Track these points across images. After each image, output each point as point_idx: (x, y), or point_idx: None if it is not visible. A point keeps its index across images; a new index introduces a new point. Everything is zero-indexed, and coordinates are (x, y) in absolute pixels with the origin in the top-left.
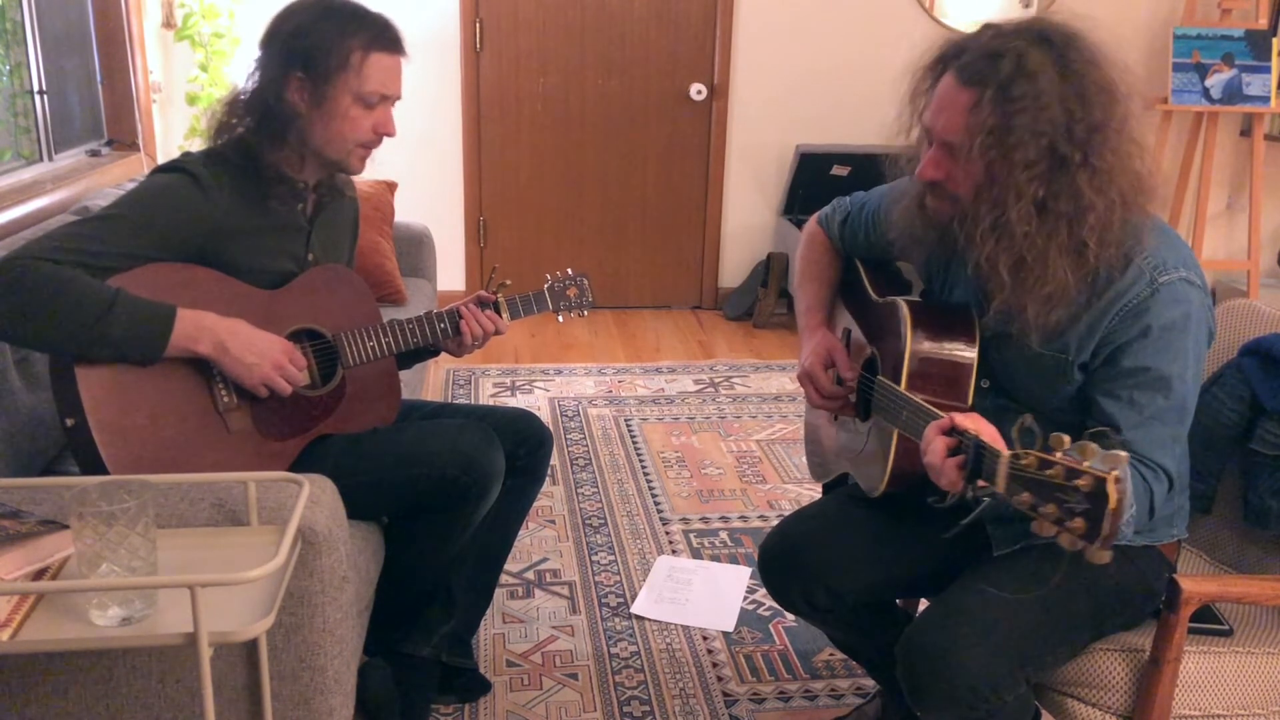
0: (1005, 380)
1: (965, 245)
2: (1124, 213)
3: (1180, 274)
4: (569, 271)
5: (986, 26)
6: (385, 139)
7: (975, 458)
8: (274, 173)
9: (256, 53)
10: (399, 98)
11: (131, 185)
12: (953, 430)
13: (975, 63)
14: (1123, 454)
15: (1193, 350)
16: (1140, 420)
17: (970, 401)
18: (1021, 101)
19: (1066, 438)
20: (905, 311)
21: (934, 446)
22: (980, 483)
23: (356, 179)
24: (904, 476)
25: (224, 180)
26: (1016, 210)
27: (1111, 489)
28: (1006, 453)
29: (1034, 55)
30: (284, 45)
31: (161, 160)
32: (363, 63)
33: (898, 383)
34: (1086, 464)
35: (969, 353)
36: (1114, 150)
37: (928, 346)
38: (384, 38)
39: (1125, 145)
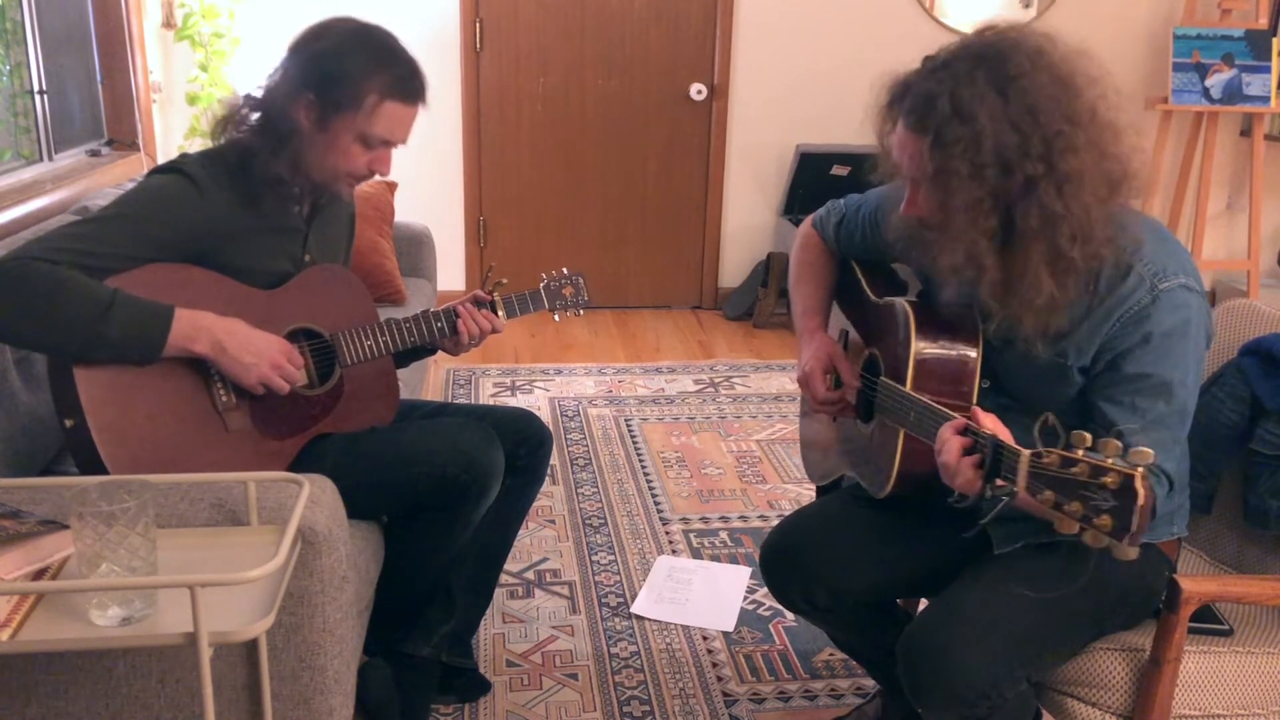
0: (1006, 381)
1: (939, 284)
2: (1104, 209)
3: (1180, 280)
4: (564, 270)
5: (926, 60)
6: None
7: (994, 457)
8: (267, 178)
9: (283, 53)
10: (404, 144)
11: (131, 185)
12: (967, 430)
13: (916, 108)
14: (1148, 450)
15: (1193, 355)
16: (1143, 425)
17: (975, 401)
18: (958, 145)
19: (1089, 435)
20: (908, 312)
21: (949, 446)
22: (998, 481)
23: None
24: (910, 477)
25: (221, 182)
26: (969, 245)
27: (1140, 485)
28: (1027, 452)
29: (969, 89)
30: (307, 62)
31: (161, 160)
32: (375, 108)
33: (901, 384)
34: (1111, 461)
35: (972, 352)
36: (1080, 147)
37: (931, 347)
38: (405, 87)
39: (1096, 135)
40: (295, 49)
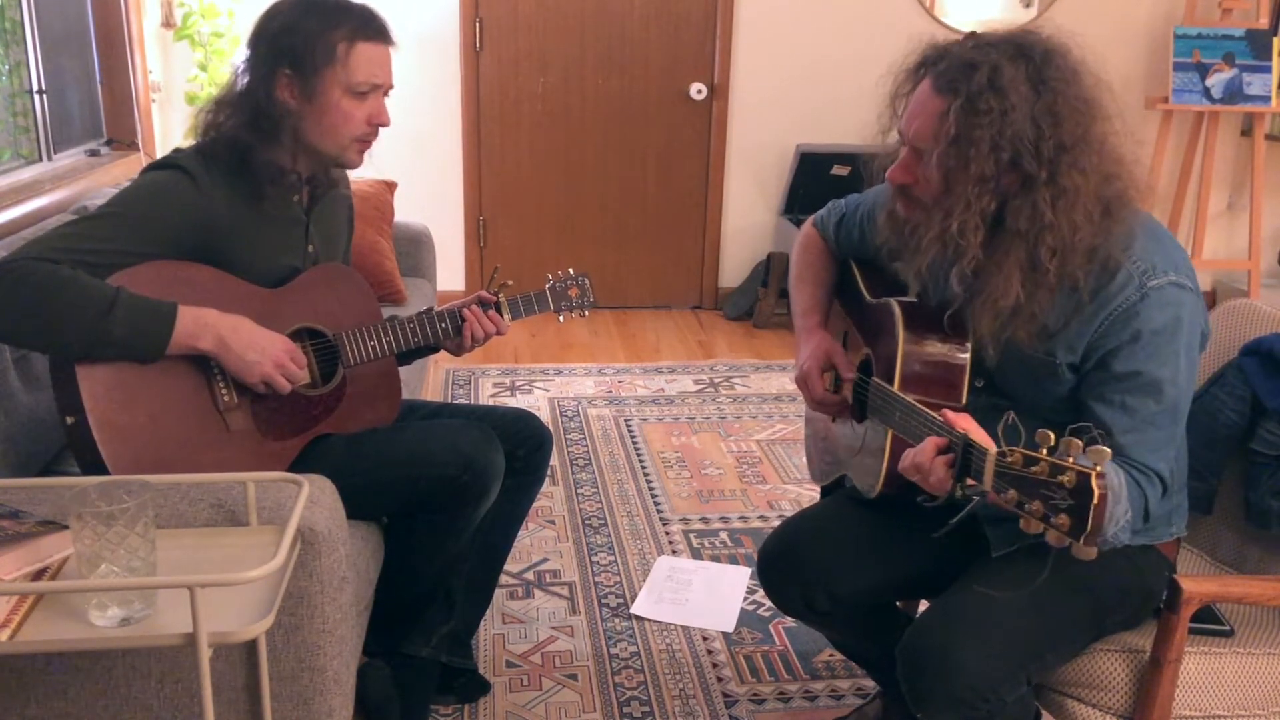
0: (1000, 380)
1: (913, 253)
2: (1092, 229)
3: (1169, 278)
4: (570, 271)
5: (970, 35)
6: (383, 133)
7: (964, 456)
8: (267, 170)
9: (244, 52)
10: (391, 87)
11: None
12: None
13: (951, 71)
14: (1106, 449)
15: (1184, 353)
16: (1133, 425)
17: (964, 401)
18: (987, 115)
19: (1051, 434)
20: (898, 312)
21: (924, 446)
22: (969, 481)
23: (356, 178)
24: (899, 478)
25: (218, 175)
26: (962, 220)
27: (1095, 484)
28: (993, 450)
29: (1009, 69)
30: (270, 44)
31: None
32: (349, 54)
33: (891, 383)
34: (1070, 460)
35: (963, 353)
36: (1084, 170)
37: (920, 347)
38: (369, 27)
39: (1103, 165)
40: (253, 39)
